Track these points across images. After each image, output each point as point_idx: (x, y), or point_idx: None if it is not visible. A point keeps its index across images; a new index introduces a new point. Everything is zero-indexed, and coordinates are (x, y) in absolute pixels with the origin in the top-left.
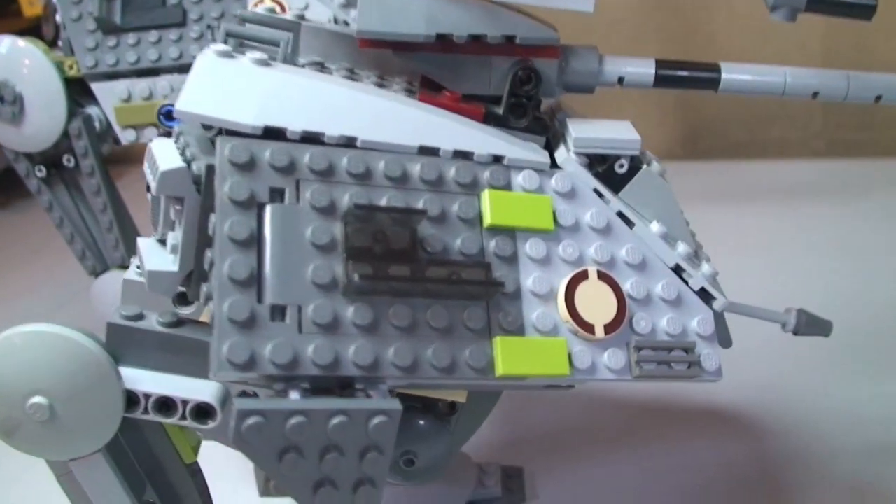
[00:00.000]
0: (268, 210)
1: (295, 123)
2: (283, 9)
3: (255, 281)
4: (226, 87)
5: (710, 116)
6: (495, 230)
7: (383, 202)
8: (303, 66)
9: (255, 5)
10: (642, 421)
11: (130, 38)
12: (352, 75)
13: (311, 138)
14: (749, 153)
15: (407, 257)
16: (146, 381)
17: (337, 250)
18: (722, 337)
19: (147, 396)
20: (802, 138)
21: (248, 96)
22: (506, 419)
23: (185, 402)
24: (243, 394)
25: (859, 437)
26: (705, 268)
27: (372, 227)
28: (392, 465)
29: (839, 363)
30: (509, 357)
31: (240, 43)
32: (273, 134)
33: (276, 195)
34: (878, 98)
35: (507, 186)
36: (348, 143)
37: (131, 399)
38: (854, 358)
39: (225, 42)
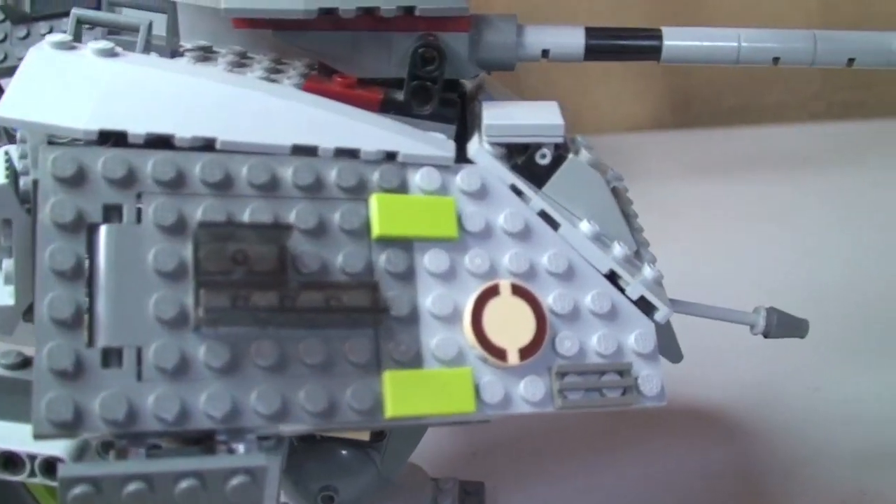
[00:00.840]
0: (101, 232)
1: (138, 125)
2: None
3: (83, 320)
4: (58, 84)
5: (701, 81)
6: (386, 242)
7: (245, 215)
8: (183, 52)
9: None
10: (617, 425)
11: (42, 28)
12: (241, 60)
13: (158, 142)
14: (744, 119)
15: (274, 281)
16: None
17: (187, 278)
18: (669, 351)
19: None
20: (800, 101)
21: (84, 95)
22: (465, 428)
23: (32, 457)
24: (104, 445)
25: (852, 438)
26: (647, 271)
27: (230, 248)
28: (310, 502)
29: (836, 353)
30: (401, 395)
31: (109, 31)
32: (112, 139)
33: (113, 213)
34: (851, 61)
35: (402, 188)
36: (205, 145)
37: None
38: (852, 347)
39: (75, 30)
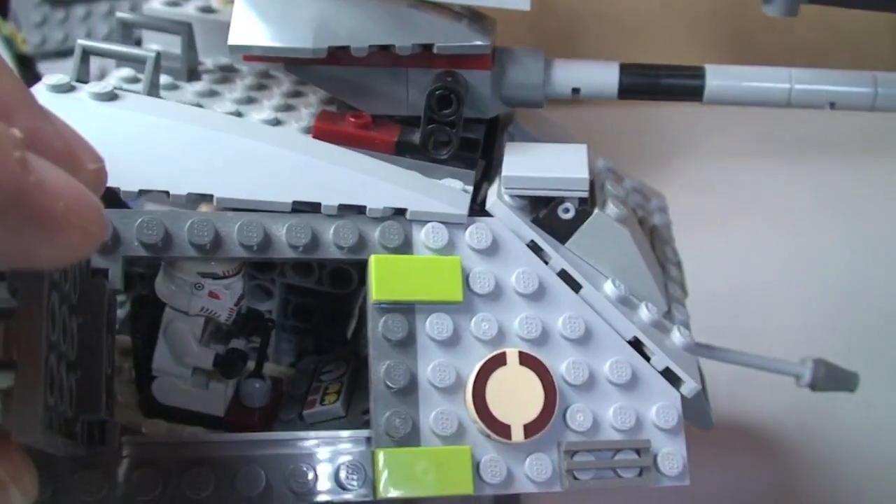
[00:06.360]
0: None
1: (130, 181)
2: None
3: None
4: None
5: (769, 49)
6: (385, 306)
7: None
8: (202, 73)
9: None
10: None
11: (80, 10)
12: (261, 82)
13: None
14: None
15: None
16: None
17: None
18: (699, 417)
19: None
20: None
21: None
22: None
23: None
24: None
25: None
26: (676, 337)
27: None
28: None
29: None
30: (395, 475)
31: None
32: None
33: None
34: None
35: (406, 246)
36: (199, 201)
37: None
38: None
39: (80, 63)
